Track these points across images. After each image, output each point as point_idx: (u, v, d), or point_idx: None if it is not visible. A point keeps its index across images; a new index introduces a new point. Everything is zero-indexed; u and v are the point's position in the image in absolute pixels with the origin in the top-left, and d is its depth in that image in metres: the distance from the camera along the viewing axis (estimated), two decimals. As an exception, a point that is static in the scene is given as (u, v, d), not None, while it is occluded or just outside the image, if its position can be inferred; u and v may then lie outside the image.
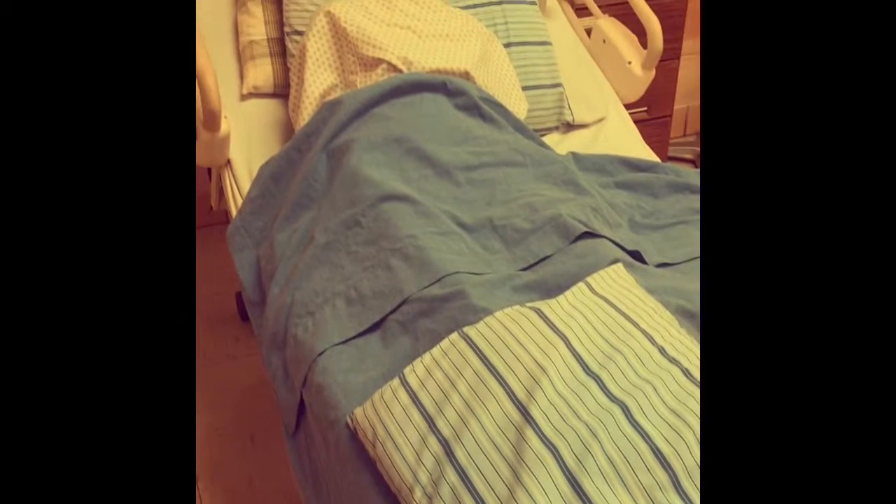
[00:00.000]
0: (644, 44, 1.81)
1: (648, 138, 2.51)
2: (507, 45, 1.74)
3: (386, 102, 1.45)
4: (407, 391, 0.96)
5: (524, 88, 1.72)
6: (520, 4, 1.78)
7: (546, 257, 1.20)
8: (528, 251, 1.21)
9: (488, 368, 0.94)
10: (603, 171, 1.54)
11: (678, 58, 2.47)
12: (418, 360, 1.00)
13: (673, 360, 0.93)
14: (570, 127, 1.79)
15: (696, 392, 0.88)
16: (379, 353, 1.09)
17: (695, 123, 3.01)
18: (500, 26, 1.75)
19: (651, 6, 2.29)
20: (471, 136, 1.44)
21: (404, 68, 1.51)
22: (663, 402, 0.87)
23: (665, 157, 2.61)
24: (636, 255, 1.29)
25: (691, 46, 2.86)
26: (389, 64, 1.51)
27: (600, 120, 1.81)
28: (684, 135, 3.02)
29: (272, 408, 1.83)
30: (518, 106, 1.66)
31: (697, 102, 2.99)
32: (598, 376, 0.91)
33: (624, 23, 1.96)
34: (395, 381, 0.98)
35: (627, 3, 1.84)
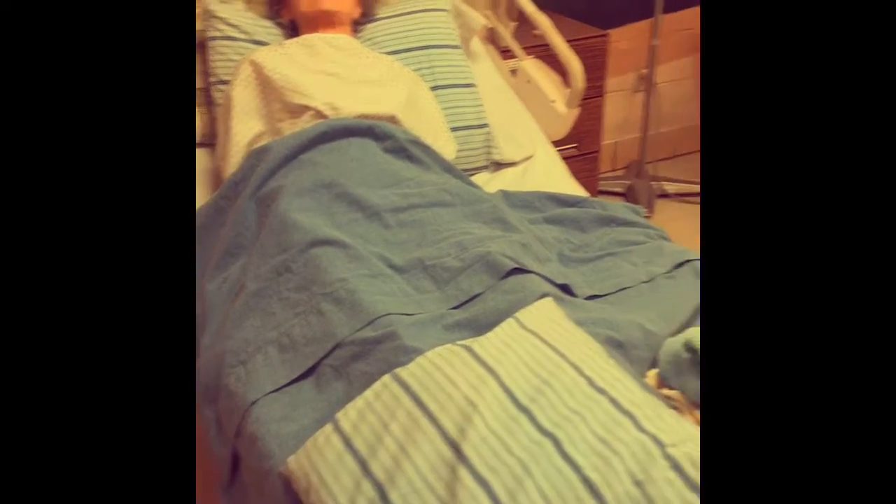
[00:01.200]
0: (567, 83, 1.86)
1: (579, 173, 2.56)
2: (433, 88, 1.77)
3: (314, 148, 1.46)
4: (340, 436, 0.95)
5: (452, 129, 1.75)
6: (444, 49, 1.82)
7: (477, 295, 1.21)
8: (459, 289, 1.22)
9: (421, 408, 0.94)
10: (532, 208, 1.57)
11: (602, 95, 2.54)
12: (351, 403, 0.99)
13: (601, 391, 0.94)
14: (499, 166, 1.83)
15: (624, 420, 0.89)
16: (313, 400, 1.08)
17: (624, 157, 3.09)
18: (426, 70, 1.78)
19: (574, 47, 2.36)
20: (399, 179, 1.46)
21: (331, 114, 1.52)
22: (593, 432, 0.89)
23: (596, 191, 2.67)
24: (566, 289, 1.31)
25: (614, 84, 2.95)
26: (316, 110, 1.52)
27: (528, 158, 1.85)
28: (614, 169, 3.10)
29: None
30: (447, 147, 1.68)
31: (625, 137, 3.07)
32: (528, 410, 0.92)
33: (547, 64, 2.01)
34: (329, 427, 0.97)
35: (549, 45, 1.90)
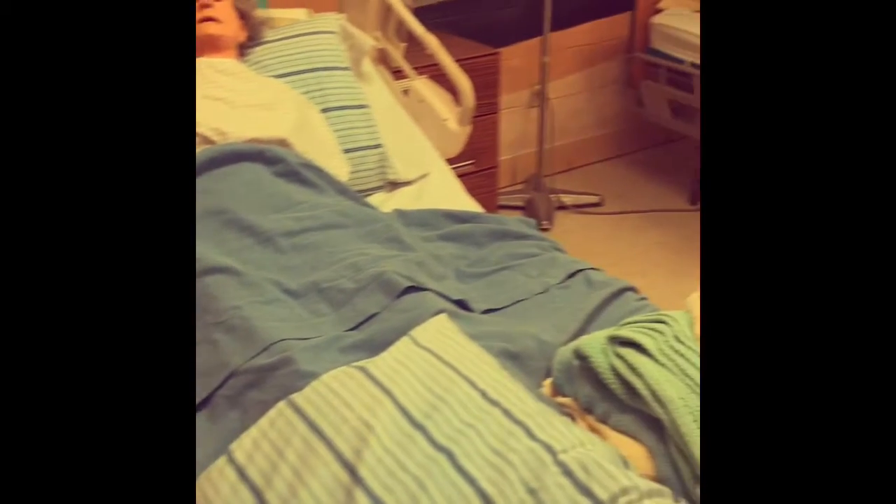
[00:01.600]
0: (458, 101, 1.89)
1: (478, 189, 2.60)
2: (324, 111, 1.77)
3: (202, 174, 1.43)
4: (234, 468, 0.93)
5: (346, 151, 1.75)
6: (334, 71, 1.82)
7: (372, 315, 1.21)
8: (354, 311, 1.22)
9: (316, 433, 0.93)
10: (427, 226, 1.58)
11: (497, 112, 2.59)
12: (246, 433, 0.98)
13: (494, 403, 0.95)
14: (394, 185, 1.84)
15: (517, 430, 0.91)
16: (206, 432, 1.05)
17: (522, 172, 3.15)
18: (317, 93, 1.78)
19: (466, 65, 2.40)
20: (292, 202, 1.45)
21: (218, 139, 1.50)
22: (487, 444, 0.90)
23: (496, 206, 2.71)
24: (462, 304, 1.32)
25: (509, 101, 3.02)
26: (203, 136, 1.49)
27: (423, 176, 1.86)
28: (513, 183, 3.16)
29: None
30: (340, 169, 1.68)
31: (522, 152, 3.14)
32: (423, 427, 0.92)
33: (438, 83, 2.04)
34: (222, 460, 0.95)
35: (439, 64, 1.92)
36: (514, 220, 1.63)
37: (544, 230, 2.78)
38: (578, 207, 2.96)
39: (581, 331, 1.25)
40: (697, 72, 2.72)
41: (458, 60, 2.30)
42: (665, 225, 2.80)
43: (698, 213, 2.86)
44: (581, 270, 1.44)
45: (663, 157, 3.33)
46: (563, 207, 2.94)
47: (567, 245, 1.55)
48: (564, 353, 1.08)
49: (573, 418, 1.04)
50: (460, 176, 2.49)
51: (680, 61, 2.81)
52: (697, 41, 2.74)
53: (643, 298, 1.38)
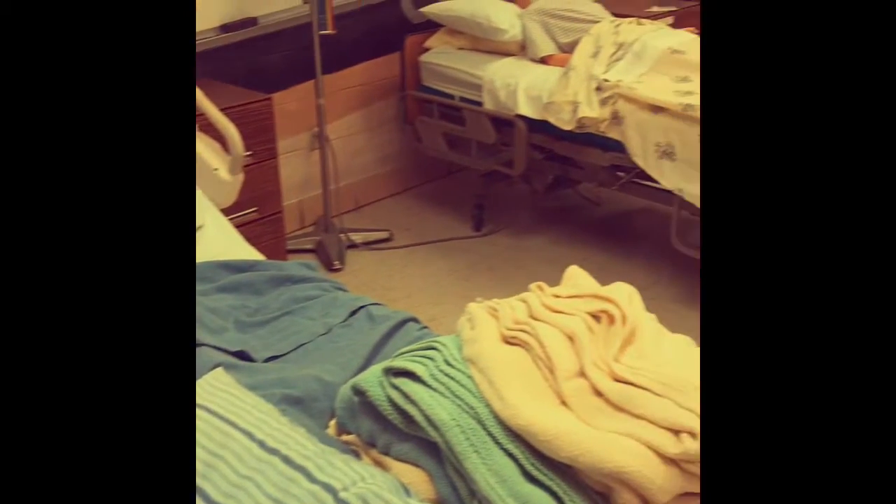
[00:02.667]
0: (227, 150, 1.86)
1: (263, 236, 2.57)
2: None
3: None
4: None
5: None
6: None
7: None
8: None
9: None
10: (203, 279, 1.54)
11: (276, 157, 2.57)
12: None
13: (273, 451, 0.94)
14: (168, 240, 1.77)
15: (297, 475, 0.90)
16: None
17: (311, 214, 3.15)
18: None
19: (236, 112, 2.37)
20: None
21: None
22: (266, 493, 0.88)
23: (285, 251, 2.68)
24: (243, 355, 1.30)
25: (289, 145, 3.01)
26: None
27: (198, 228, 1.81)
28: (303, 227, 3.14)
29: None
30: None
31: (308, 195, 3.13)
32: (200, 488, 0.89)
33: (206, 132, 2.00)
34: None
35: (206, 113, 1.89)
36: (293, 265, 1.62)
37: (336, 270, 2.79)
38: (369, 244, 2.99)
39: (364, 367, 1.27)
40: (467, 105, 2.86)
41: (227, 108, 2.28)
42: (453, 253, 2.91)
43: (482, 239, 3.00)
44: (363, 307, 1.46)
45: (445, 188, 3.46)
46: (353, 246, 2.97)
47: (360, 282, 1.56)
48: (345, 390, 1.09)
49: (358, 454, 1.05)
50: (244, 224, 2.45)
51: (450, 97, 2.95)
52: (464, 76, 2.89)
53: (424, 328, 1.43)
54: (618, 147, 2.48)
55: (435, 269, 2.81)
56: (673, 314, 2.42)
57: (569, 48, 2.77)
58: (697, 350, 1.07)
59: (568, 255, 2.84)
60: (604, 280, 1.20)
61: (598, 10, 2.93)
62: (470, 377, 1.00)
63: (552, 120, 2.57)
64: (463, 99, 2.90)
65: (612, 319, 1.04)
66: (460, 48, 2.99)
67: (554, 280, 1.19)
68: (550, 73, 2.68)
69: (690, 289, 2.58)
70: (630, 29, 2.70)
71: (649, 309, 1.14)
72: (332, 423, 1.14)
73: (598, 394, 0.95)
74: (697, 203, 2.30)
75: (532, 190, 3.14)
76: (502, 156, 2.89)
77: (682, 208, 2.42)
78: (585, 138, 2.57)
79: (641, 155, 2.41)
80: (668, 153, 2.34)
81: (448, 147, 3.04)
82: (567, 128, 2.54)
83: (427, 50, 3.08)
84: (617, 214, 3.22)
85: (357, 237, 3.00)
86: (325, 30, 2.69)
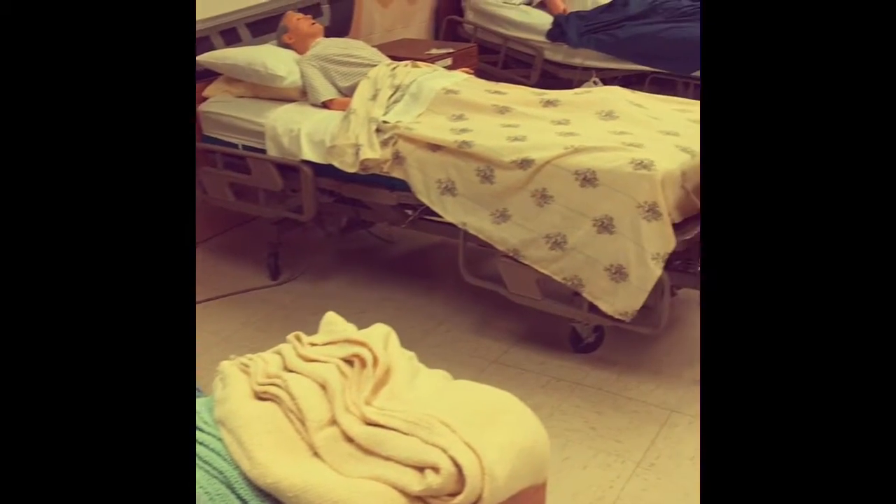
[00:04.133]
0: None
1: None
2: None
3: None
4: None
5: None
6: None
7: None
8: None
9: None
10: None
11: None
12: None
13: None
14: None
15: None
16: None
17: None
18: None
19: None
20: None
21: None
22: None
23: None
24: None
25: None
26: None
27: None
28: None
29: None
30: None
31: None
32: None
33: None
34: None
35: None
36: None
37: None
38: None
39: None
40: (251, 153, 2.81)
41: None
42: (251, 304, 2.83)
43: (279, 288, 2.94)
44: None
45: (237, 238, 3.37)
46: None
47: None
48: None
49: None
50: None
51: (234, 145, 2.88)
52: (246, 124, 2.84)
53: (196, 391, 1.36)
54: (403, 186, 2.53)
55: (229, 323, 2.71)
56: (466, 344, 2.47)
57: (349, 92, 2.80)
58: (453, 384, 1.09)
59: (366, 296, 2.85)
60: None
61: (375, 54, 2.99)
62: (220, 439, 0.96)
63: (336, 163, 2.58)
64: (247, 147, 2.85)
65: (363, 363, 1.04)
66: (240, 96, 2.94)
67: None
68: (332, 117, 2.69)
69: (482, 318, 2.65)
70: (406, 71, 2.78)
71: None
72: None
73: (349, 440, 0.94)
74: (481, 235, 2.37)
75: (326, 234, 3.12)
76: (291, 202, 2.85)
77: (468, 240, 2.49)
78: (371, 179, 2.60)
79: (425, 192, 2.46)
80: (449, 188, 2.42)
81: (235, 197, 2.97)
82: (351, 170, 2.55)
83: (206, 99, 3.01)
84: (412, 251, 3.27)
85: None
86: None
